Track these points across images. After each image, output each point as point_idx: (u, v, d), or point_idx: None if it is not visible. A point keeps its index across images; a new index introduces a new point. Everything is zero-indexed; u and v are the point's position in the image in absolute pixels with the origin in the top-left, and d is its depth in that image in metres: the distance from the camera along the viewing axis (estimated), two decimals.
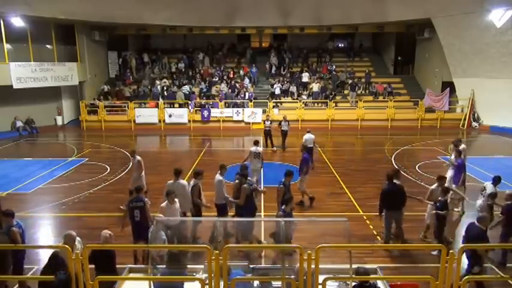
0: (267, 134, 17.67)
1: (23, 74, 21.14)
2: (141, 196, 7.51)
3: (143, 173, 10.80)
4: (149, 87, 25.40)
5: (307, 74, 26.22)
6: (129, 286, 5.85)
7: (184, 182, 8.83)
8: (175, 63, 27.67)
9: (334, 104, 23.85)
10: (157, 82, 25.54)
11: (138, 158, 10.85)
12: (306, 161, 11.00)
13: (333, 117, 23.36)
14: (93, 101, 24.24)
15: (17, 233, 6.38)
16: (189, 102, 23.54)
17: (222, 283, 4.76)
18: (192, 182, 8.60)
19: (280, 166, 14.63)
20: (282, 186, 8.59)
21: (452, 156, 10.64)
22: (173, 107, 23.89)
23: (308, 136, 13.92)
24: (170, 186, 8.32)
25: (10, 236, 6.31)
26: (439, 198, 8.06)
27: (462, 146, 11.25)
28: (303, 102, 23.99)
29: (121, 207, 10.16)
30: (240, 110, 23.28)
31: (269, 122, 17.89)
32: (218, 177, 8.63)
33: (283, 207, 7.60)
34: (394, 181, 8.44)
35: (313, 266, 4.66)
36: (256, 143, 12.39)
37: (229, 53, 29.74)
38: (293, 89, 25.36)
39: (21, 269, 6.74)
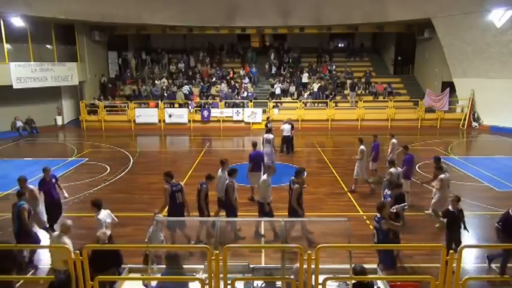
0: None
1: (23, 74, 21.14)
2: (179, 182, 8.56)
3: (40, 203, 8.74)
4: (148, 87, 25.42)
5: (307, 74, 26.24)
6: (129, 286, 5.86)
7: (225, 173, 9.10)
8: (175, 63, 27.68)
9: (334, 104, 23.85)
10: (157, 82, 25.56)
11: (31, 187, 8.71)
12: (253, 158, 11.38)
13: (333, 117, 23.36)
14: (93, 101, 24.25)
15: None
16: (189, 102, 23.55)
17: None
18: (227, 181, 8.71)
19: (285, 167, 14.62)
20: (389, 199, 7.95)
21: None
22: (173, 107, 23.89)
23: (285, 126, 16.42)
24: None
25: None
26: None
27: (392, 141, 12.56)
28: (303, 102, 23.99)
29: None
30: (240, 110, 23.27)
31: (270, 124, 17.65)
32: (264, 176, 8.83)
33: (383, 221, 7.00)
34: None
35: (313, 266, 4.66)
36: (268, 131, 14.68)
37: (229, 53, 29.75)
38: (293, 89, 25.37)
39: None
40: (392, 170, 10.04)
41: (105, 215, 7.40)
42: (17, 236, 7.58)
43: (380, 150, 12.79)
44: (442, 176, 9.32)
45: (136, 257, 7.62)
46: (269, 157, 13.72)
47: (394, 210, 7.19)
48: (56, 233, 6.47)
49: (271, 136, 14.13)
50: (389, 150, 12.54)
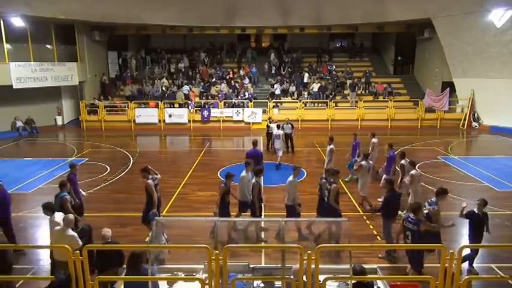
0: (270, 136, 17.43)
1: (23, 74, 21.14)
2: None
3: None
4: (148, 87, 25.42)
5: (307, 74, 26.25)
6: None
7: (248, 174, 9.02)
8: (175, 63, 27.69)
9: (334, 104, 23.85)
10: (157, 82, 25.56)
11: None
12: (249, 156, 11.56)
13: (333, 117, 23.36)
14: (93, 101, 24.26)
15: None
16: (189, 102, 23.56)
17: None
18: (253, 180, 8.66)
19: (286, 167, 14.64)
20: (436, 207, 7.56)
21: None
22: (173, 107, 23.90)
23: (272, 126, 16.63)
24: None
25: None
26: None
27: (373, 140, 12.91)
28: (303, 102, 23.99)
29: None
30: (240, 110, 23.27)
31: (272, 124, 17.57)
32: (290, 178, 8.69)
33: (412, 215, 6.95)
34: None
35: (313, 266, 4.66)
36: (278, 126, 15.62)
37: (229, 53, 29.75)
38: (293, 89, 25.37)
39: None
40: (363, 163, 10.55)
41: (60, 217, 7.18)
42: None
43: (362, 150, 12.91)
44: (413, 171, 9.48)
45: None
46: (279, 152, 14.92)
47: (426, 211, 7.18)
48: (59, 227, 6.50)
49: (280, 132, 15.29)
50: (369, 149, 12.77)
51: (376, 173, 12.14)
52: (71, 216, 6.66)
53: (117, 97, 25.67)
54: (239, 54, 29.33)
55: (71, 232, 6.33)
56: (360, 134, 22.48)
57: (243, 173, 8.99)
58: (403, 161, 10.24)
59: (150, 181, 8.30)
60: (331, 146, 12.17)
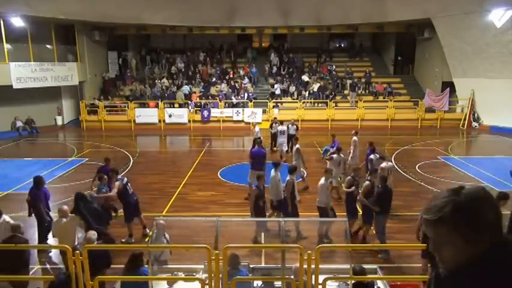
0: (274, 136, 17.13)
1: (23, 74, 21.14)
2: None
3: None
4: (148, 87, 25.42)
5: (307, 74, 26.24)
6: None
7: (278, 174, 9.08)
8: (174, 62, 27.68)
9: (334, 104, 23.85)
10: (157, 82, 25.57)
11: None
12: (253, 154, 11.58)
13: (333, 117, 23.36)
14: (93, 101, 24.26)
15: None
16: (189, 102, 23.56)
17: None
18: (287, 178, 8.65)
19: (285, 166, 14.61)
20: None
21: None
22: (173, 107, 23.90)
23: (257, 129, 16.82)
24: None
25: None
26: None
27: (354, 138, 13.13)
28: (303, 102, 23.99)
29: None
30: (240, 110, 23.27)
31: (277, 124, 17.46)
32: (322, 181, 8.69)
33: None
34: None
35: (313, 266, 4.66)
36: (281, 122, 16.10)
37: (229, 53, 29.75)
38: (293, 89, 25.38)
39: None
40: (334, 156, 11.14)
41: (7, 218, 7.07)
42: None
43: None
44: (382, 164, 9.76)
45: None
46: (282, 147, 15.23)
47: None
48: (55, 219, 6.85)
49: (284, 128, 15.62)
50: (351, 147, 12.96)
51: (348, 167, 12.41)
52: (65, 207, 7.07)
53: (117, 97, 25.68)
54: (238, 54, 29.32)
55: (64, 221, 6.83)
56: (360, 134, 22.46)
57: (273, 173, 9.03)
58: (372, 156, 10.60)
59: (118, 182, 8.52)
60: (297, 146, 12.43)
